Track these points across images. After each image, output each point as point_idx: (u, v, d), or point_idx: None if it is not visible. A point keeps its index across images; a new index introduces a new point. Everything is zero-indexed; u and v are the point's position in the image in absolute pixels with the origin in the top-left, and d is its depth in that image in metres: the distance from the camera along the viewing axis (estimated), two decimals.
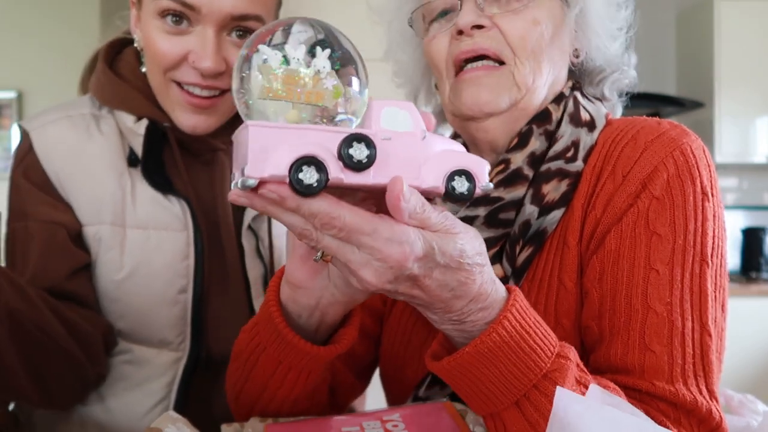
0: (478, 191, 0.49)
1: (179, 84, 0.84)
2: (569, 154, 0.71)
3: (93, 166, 0.86)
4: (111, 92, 0.89)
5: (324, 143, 0.44)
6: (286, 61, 0.44)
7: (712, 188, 0.65)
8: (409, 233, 0.46)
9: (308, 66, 0.44)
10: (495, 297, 0.52)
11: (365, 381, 0.86)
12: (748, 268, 3.36)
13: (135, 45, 0.89)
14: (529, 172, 0.71)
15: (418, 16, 0.78)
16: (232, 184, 0.44)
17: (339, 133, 0.44)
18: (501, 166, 0.73)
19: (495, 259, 0.70)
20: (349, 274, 0.48)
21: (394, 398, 0.83)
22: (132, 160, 0.87)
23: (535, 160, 0.72)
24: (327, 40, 0.46)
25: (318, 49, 0.45)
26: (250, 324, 0.67)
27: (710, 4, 3.36)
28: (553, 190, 0.70)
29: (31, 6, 3.80)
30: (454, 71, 0.74)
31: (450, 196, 0.48)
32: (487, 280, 0.51)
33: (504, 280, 0.69)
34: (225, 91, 0.84)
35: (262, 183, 0.43)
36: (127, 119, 0.87)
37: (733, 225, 3.52)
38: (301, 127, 0.44)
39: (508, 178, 0.72)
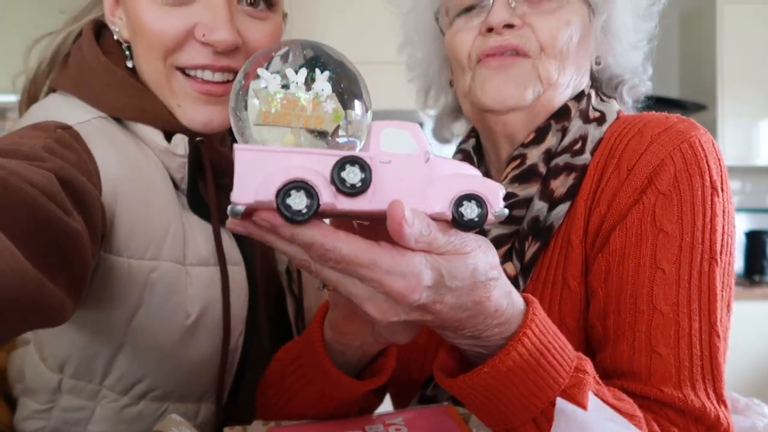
0: (491, 217, 0.45)
1: (183, 72, 0.69)
2: (576, 147, 0.70)
3: (153, 187, 0.68)
4: (126, 96, 0.69)
5: (315, 167, 0.40)
6: (286, 85, 0.42)
7: (722, 183, 0.64)
8: (413, 263, 0.42)
9: (308, 90, 0.42)
10: (512, 312, 0.49)
11: (383, 395, 0.84)
12: (752, 272, 3.33)
13: (115, 37, 0.73)
14: (543, 169, 0.71)
15: (442, 10, 0.78)
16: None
17: (331, 155, 0.41)
18: (517, 161, 0.72)
19: (506, 257, 0.70)
20: (356, 306, 0.45)
21: (399, 398, 0.82)
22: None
23: (550, 156, 0.71)
24: (327, 62, 0.43)
25: (317, 71, 0.42)
26: (291, 355, 0.66)
27: (713, 7, 3.34)
28: (561, 184, 0.69)
29: (36, 9, 3.80)
30: (478, 61, 0.73)
31: (458, 223, 0.44)
32: (502, 294, 0.48)
33: (514, 278, 0.68)
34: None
35: (253, 210, 0.40)
36: (153, 135, 0.69)
37: (736, 228, 3.50)
38: (290, 150, 0.41)
39: (523, 174, 0.71)
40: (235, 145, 0.40)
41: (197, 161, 0.70)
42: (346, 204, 0.41)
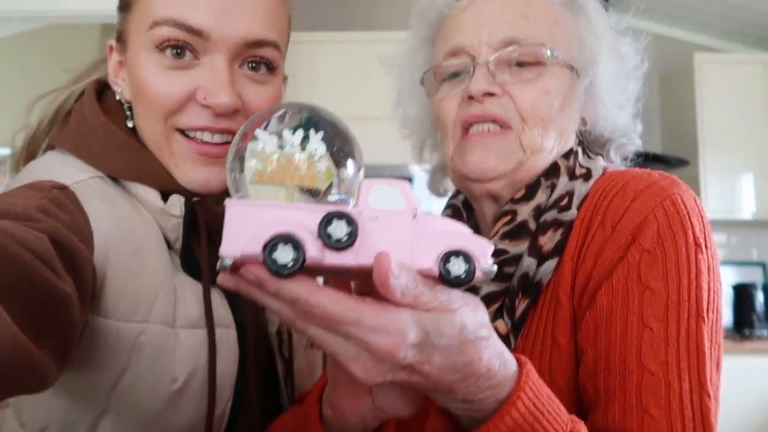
0: (479, 274, 0.44)
1: (183, 133, 0.69)
2: (563, 203, 0.70)
3: (146, 248, 0.67)
4: (125, 156, 0.69)
5: (303, 221, 0.41)
6: (282, 145, 0.43)
7: (705, 239, 0.63)
8: (398, 319, 0.41)
9: (303, 150, 0.43)
10: (504, 373, 0.48)
11: None
12: (741, 325, 3.34)
13: (117, 98, 0.74)
14: (533, 226, 0.71)
15: (429, 75, 0.79)
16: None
17: (319, 211, 0.42)
18: (507, 218, 0.72)
19: (497, 314, 0.69)
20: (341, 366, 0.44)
21: None
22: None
23: (539, 213, 0.72)
24: (321, 123, 0.45)
25: (312, 132, 0.44)
26: (288, 428, 0.64)
27: (691, 66, 3.48)
28: (548, 240, 0.69)
29: (28, 62, 3.86)
30: (461, 133, 0.74)
31: (445, 280, 0.43)
32: (494, 354, 0.47)
33: (505, 336, 0.67)
34: None
35: (241, 264, 0.41)
36: (149, 195, 0.69)
37: (723, 281, 3.51)
38: (279, 205, 0.42)
39: (513, 231, 0.71)
40: (227, 200, 0.41)
41: (192, 222, 0.70)
42: (332, 259, 0.41)
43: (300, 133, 0.43)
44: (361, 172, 0.46)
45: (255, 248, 0.40)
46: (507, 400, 0.48)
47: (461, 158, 0.74)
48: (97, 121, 0.71)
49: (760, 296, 3.33)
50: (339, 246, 0.41)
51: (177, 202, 0.69)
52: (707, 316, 0.61)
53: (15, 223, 0.50)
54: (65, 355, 0.50)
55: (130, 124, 0.73)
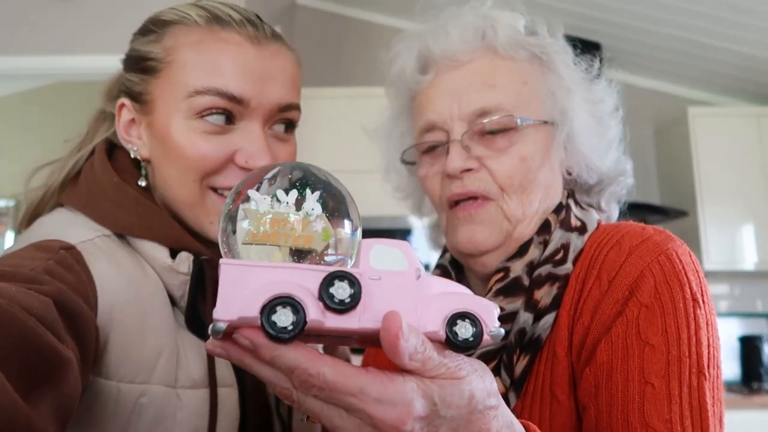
0: (486, 338, 0.42)
1: (216, 191, 0.71)
2: (558, 257, 0.70)
3: (150, 308, 0.67)
4: (135, 216, 0.70)
5: (303, 282, 0.39)
6: (274, 205, 0.41)
7: (702, 294, 0.63)
8: (404, 390, 0.39)
9: (298, 209, 0.42)
10: None
11: None
12: (749, 379, 3.27)
13: (132, 156, 0.74)
14: (526, 281, 0.70)
15: (411, 151, 0.81)
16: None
17: (319, 271, 0.40)
18: (500, 274, 0.72)
19: (495, 373, 0.67)
20: None
21: None
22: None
23: (532, 268, 0.71)
24: (316, 182, 0.43)
25: (307, 191, 0.42)
26: None
27: (685, 119, 3.54)
28: (545, 294, 0.68)
29: (30, 115, 3.93)
30: (448, 206, 0.75)
31: (452, 344, 0.41)
32: (503, 425, 0.44)
33: (504, 394, 0.66)
34: None
35: (235, 328, 0.38)
36: (157, 252, 0.69)
37: (729, 333, 3.48)
38: (277, 265, 0.39)
39: (507, 287, 0.71)
40: (221, 260, 0.39)
41: (200, 279, 0.70)
42: (334, 322, 0.39)
43: (294, 192, 0.42)
44: (359, 232, 0.44)
45: (252, 311, 0.37)
46: None
47: (453, 234, 0.75)
48: (109, 182, 0.72)
49: (766, 348, 3.27)
50: (342, 308, 0.39)
51: (186, 260, 0.70)
52: (708, 372, 0.60)
53: (21, 287, 0.50)
54: (64, 419, 0.49)
55: (142, 183, 0.74)
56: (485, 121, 0.72)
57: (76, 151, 0.79)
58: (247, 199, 0.42)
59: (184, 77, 0.69)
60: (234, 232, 0.41)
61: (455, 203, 0.74)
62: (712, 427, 0.58)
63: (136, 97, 0.73)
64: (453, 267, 0.82)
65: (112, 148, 0.77)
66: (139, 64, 0.73)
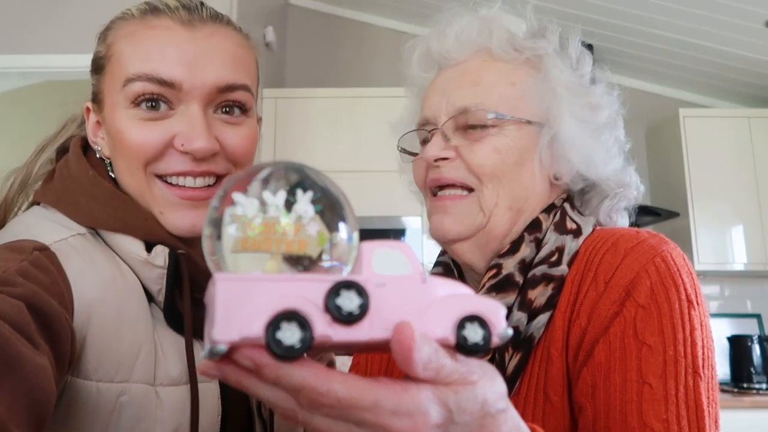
0: (495, 340, 0.41)
1: (164, 180, 0.70)
2: (553, 259, 0.71)
3: (127, 305, 0.66)
4: (110, 208, 0.69)
5: (307, 295, 0.36)
6: (264, 209, 0.38)
7: (696, 296, 0.64)
8: (419, 399, 0.38)
9: (289, 212, 0.39)
10: None
11: None
12: (739, 379, 3.29)
13: (98, 156, 0.75)
14: (519, 279, 0.71)
15: (410, 141, 0.84)
16: (201, 354, 0.37)
17: (324, 281, 0.37)
18: (493, 271, 0.73)
19: None
20: None
21: None
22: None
23: (525, 266, 0.72)
24: (309, 183, 0.40)
25: (299, 193, 0.39)
26: None
27: (676, 120, 3.56)
28: (539, 295, 0.69)
29: (15, 116, 3.89)
30: (431, 193, 0.78)
31: (462, 348, 0.40)
32: (512, 427, 0.44)
33: None
34: (220, 177, 0.72)
35: (234, 349, 0.36)
36: (132, 246, 0.68)
37: (719, 333, 3.50)
38: (279, 278, 0.37)
39: (500, 284, 0.71)
40: (217, 275, 0.37)
41: (176, 273, 0.69)
42: (342, 334, 0.37)
43: (284, 194, 0.39)
44: (356, 235, 0.41)
45: (255, 329, 0.35)
46: None
47: (430, 221, 0.78)
48: (85, 176, 0.72)
49: (756, 348, 3.29)
50: (350, 319, 0.37)
51: (161, 253, 0.69)
52: (703, 372, 0.61)
53: None
54: (39, 426, 0.48)
55: (112, 175, 0.74)
56: (464, 116, 0.75)
57: (39, 153, 0.79)
58: (234, 202, 0.39)
59: (120, 69, 0.69)
60: (219, 237, 0.38)
61: (435, 192, 0.78)
62: (707, 428, 0.59)
63: (95, 98, 0.74)
64: (455, 264, 0.83)
65: (87, 147, 0.77)
66: (93, 65, 0.75)
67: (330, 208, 0.40)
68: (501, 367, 0.67)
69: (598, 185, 0.80)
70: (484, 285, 0.73)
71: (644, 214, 3.34)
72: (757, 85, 3.71)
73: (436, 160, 0.75)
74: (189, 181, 0.70)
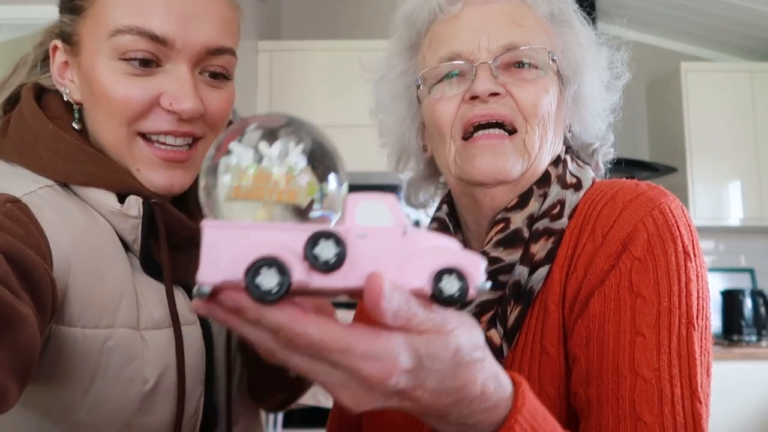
0: (472, 292, 0.42)
1: (144, 137, 0.69)
2: (555, 212, 0.71)
3: (105, 253, 0.67)
4: (76, 163, 0.68)
5: (288, 243, 0.38)
6: (258, 159, 0.40)
7: (693, 248, 0.65)
8: (390, 345, 0.39)
9: (282, 163, 0.40)
10: (500, 395, 0.46)
11: None
12: (730, 331, 3.36)
13: (65, 99, 0.72)
14: (526, 234, 0.71)
15: (420, 79, 0.79)
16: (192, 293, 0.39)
17: (304, 230, 0.39)
18: (501, 225, 0.72)
19: (491, 324, 0.69)
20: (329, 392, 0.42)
21: None
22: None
23: (532, 221, 0.72)
24: (301, 134, 0.42)
25: (291, 144, 0.41)
26: None
27: (678, 74, 3.51)
28: (540, 249, 0.69)
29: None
30: (462, 134, 0.74)
31: (438, 299, 0.41)
32: (489, 376, 0.45)
33: (499, 347, 0.68)
34: (197, 139, 0.72)
35: (219, 290, 0.38)
36: (104, 198, 0.68)
37: (712, 287, 3.53)
38: (261, 226, 0.39)
39: (507, 239, 0.71)
40: (203, 222, 0.38)
41: (151, 222, 0.70)
42: (319, 281, 0.38)
43: (278, 145, 0.41)
44: (345, 186, 0.43)
45: (236, 273, 0.37)
46: (504, 424, 0.46)
47: (469, 163, 0.73)
48: (44, 129, 0.70)
49: (748, 302, 3.35)
50: (327, 268, 0.38)
51: (135, 203, 0.68)
52: (697, 322, 0.62)
53: None
54: (25, 376, 0.49)
55: (76, 126, 0.72)
56: (517, 53, 0.73)
57: None
58: (229, 152, 0.40)
59: (107, 16, 0.67)
60: (215, 186, 0.40)
61: (471, 131, 0.73)
62: (698, 376, 0.60)
63: (67, 39, 0.71)
64: (451, 219, 0.82)
65: (40, 94, 0.75)
66: (69, 3, 0.71)
67: (320, 160, 0.42)
68: (503, 321, 0.68)
69: (598, 138, 0.82)
70: (491, 239, 0.73)
71: (642, 169, 3.34)
72: (760, 38, 3.65)
73: (488, 95, 0.72)
74: (170, 140, 0.70)
